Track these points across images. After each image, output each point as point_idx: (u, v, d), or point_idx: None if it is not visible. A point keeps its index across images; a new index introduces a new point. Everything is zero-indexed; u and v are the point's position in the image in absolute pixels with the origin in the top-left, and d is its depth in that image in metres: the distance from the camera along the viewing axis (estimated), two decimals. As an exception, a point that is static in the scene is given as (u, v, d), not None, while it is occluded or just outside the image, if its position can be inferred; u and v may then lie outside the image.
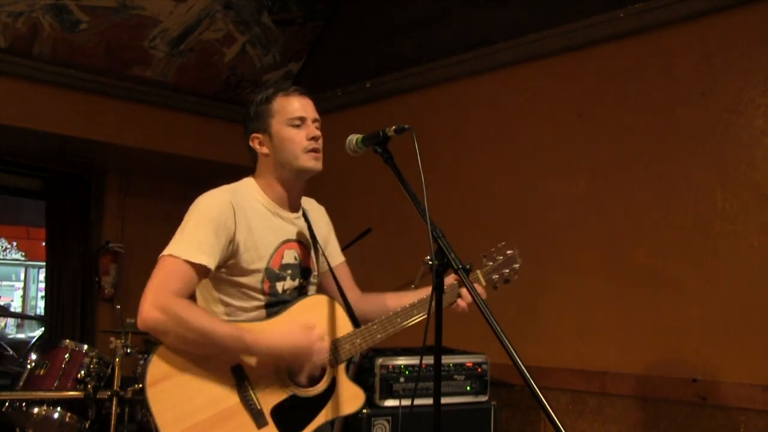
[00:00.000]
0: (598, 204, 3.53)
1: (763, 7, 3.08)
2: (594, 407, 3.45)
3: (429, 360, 1.73)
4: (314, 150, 2.00)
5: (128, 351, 3.55)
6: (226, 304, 1.96)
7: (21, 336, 8.89)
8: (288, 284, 2.02)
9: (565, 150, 3.69)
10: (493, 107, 4.05)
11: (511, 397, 3.63)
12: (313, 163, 2.00)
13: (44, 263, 5.73)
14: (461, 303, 2.07)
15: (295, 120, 1.99)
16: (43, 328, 5.75)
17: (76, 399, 3.47)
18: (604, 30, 3.54)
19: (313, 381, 1.96)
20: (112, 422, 3.41)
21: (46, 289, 5.64)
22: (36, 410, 3.44)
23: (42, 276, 10.21)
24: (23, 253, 11.42)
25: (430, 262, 1.68)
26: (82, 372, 3.57)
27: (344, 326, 2.02)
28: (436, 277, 1.66)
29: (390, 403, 2.97)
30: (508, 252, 2.25)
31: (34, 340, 5.43)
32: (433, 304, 1.66)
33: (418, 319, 2.03)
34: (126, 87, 4.74)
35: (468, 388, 3.11)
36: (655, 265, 3.30)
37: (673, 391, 3.18)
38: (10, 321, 9.66)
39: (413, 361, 3.03)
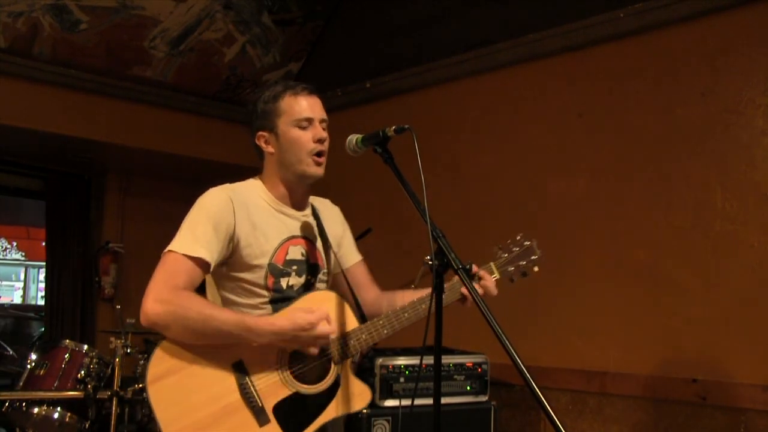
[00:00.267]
0: (598, 204, 3.53)
1: (763, 7, 3.08)
2: (594, 407, 3.45)
3: (429, 360, 1.72)
4: (319, 154, 2.00)
5: (128, 351, 3.55)
6: (233, 303, 1.96)
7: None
8: (293, 280, 2.00)
9: (565, 150, 3.69)
10: (493, 107, 4.05)
11: (511, 397, 3.63)
12: (314, 169, 2.00)
13: (44, 263, 5.73)
14: (470, 297, 1.94)
15: (302, 121, 1.99)
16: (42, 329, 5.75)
17: (76, 399, 3.47)
18: (604, 30, 3.54)
19: (318, 379, 1.95)
20: (112, 422, 3.41)
21: (46, 288, 5.64)
22: (36, 410, 3.44)
23: (42, 276, 10.22)
24: (23, 253, 11.43)
25: (430, 262, 1.68)
26: (82, 372, 3.57)
27: (351, 323, 2.00)
28: (436, 277, 1.66)
29: (390, 403, 2.97)
30: (526, 243, 2.17)
31: (34, 339, 5.43)
32: (433, 303, 1.66)
33: (425, 315, 1.96)
34: (126, 87, 4.74)
35: (468, 388, 3.11)
36: (655, 265, 3.30)
37: (673, 391, 3.18)
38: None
39: (413, 361, 3.03)
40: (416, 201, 1.76)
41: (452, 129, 4.20)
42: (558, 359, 3.57)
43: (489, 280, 2.04)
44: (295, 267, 2.01)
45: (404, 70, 4.48)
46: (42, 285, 10.08)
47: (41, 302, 9.60)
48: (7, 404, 3.45)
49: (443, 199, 3.77)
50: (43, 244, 5.88)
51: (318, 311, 1.88)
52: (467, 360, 3.13)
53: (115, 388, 3.45)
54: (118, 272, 5.62)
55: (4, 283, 11.90)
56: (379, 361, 3.00)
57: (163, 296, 1.79)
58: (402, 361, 3.03)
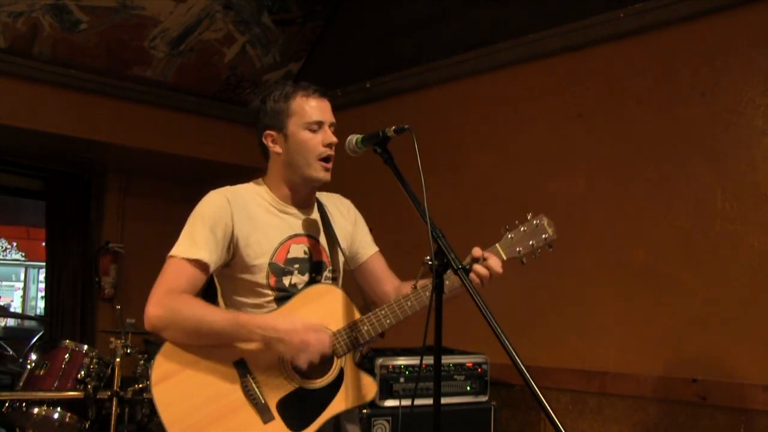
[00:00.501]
0: (598, 204, 3.53)
1: (763, 7, 3.08)
2: (594, 407, 3.45)
3: (429, 360, 1.71)
4: (327, 158, 1.99)
5: (128, 351, 3.55)
6: (241, 304, 1.98)
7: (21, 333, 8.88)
8: (296, 279, 2.00)
9: (565, 150, 3.69)
10: (493, 107, 4.05)
11: (511, 397, 3.63)
12: (323, 173, 1.99)
13: (44, 263, 5.73)
14: (475, 279, 1.88)
15: (313, 124, 1.98)
16: (42, 331, 5.75)
17: (76, 399, 3.47)
18: (604, 30, 3.54)
19: (320, 373, 1.94)
20: (112, 422, 3.41)
21: (46, 289, 5.64)
22: (36, 410, 3.44)
23: (42, 276, 10.21)
24: (23, 253, 11.42)
25: (430, 262, 1.67)
26: (82, 372, 3.57)
27: (351, 315, 1.98)
28: (436, 277, 1.66)
29: (390, 403, 2.97)
30: (535, 222, 2.02)
31: (34, 340, 5.42)
32: (434, 302, 1.66)
33: (428, 302, 1.84)
34: (126, 87, 4.74)
35: (468, 388, 3.11)
36: (655, 265, 3.30)
37: (673, 391, 3.18)
38: (10, 321, 9.66)
39: (413, 361, 3.03)
40: (416, 201, 1.76)
41: (452, 129, 4.20)
42: (558, 359, 3.57)
43: (493, 259, 1.91)
44: (297, 265, 2.01)
45: (404, 70, 4.48)
46: (42, 285, 10.07)
47: (41, 302, 9.59)
48: (7, 404, 3.45)
49: (443, 199, 3.77)
50: (43, 244, 5.88)
51: (315, 321, 1.88)
52: (467, 360, 3.13)
53: (115, 388, 3.45)
54: (118, 272, 5.62)
55: (4, 283, 11.90)
56: (379, 361, 3.00)
57: (162, 300, 1.83)
58: (402, 361, 3.03)
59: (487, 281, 1.90)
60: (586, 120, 3.63)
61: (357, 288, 2.12)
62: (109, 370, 3.63)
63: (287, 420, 1.87)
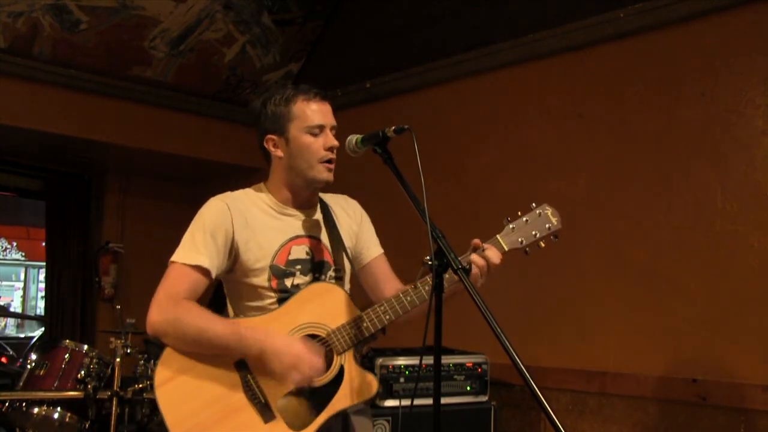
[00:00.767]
0: (598, 204, 3.53)
1: (763, 7, 3.08)
2: (594, 407, 3.45)
3: (429, 360, 1.71)
4: (329, 161, 1.99)
5: (128, 351, 3.55)
6: (246, 308, 1.99)
7: (21, 336, 8.89)
8: (298, 280, 1.99)
9: (565, 150, 3.69)
10: (493, 107, 4.05)
11: (511, 397, 3.63)
12: (326, 175, 1.99)
13: (44, 263, 5.73)
14: (475, 270, 1.86)
15: (314, 128, 1.98)
16: (42, 329, 5.75)
17: (76, 399, 3.48)
18: (604, 30, 3.54)
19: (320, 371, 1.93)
20: (112, 422, 3.42)
21: (46, 289, 5.64)
22: (36, 410, 3.44)
23: (42, 276, 10.21)
24: (23, 253, 11.42)
25: (430, 263, 1.67)
26: (82, 372, 3.58)
27: (351, 312, 1.97)
28: (436, 277, 1.66)
29: (390, 403, 2.97)
30: (538, 211, 1.99)
31: (34, 340, 5.42)
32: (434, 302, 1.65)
33: (427, 297, 1.86)
34: (126, 87, 4.74)
35: (468, 388, 3.11)
36: (655, 265, 3.30)
37: (673, 391, 3.18)
38: (10, 321, 9.66)
39: (413, 361, 3.03)
40: (416, 201, 1.76)
41: (452, 129, 4.20)
42: (558, 359, 3.57)
43: (492, 251, 1.90)
44: (299, 266, 2.01)
45: (404, 70, 4.48)
46: (42, 285, 10.07)
47: (41, 302, 9.59)
48: (7, 404, 3.45)
49: (443, 199, 3.77)
50: (43, 244, 5.88)
51: (312, 348, 1.86)
52: (467, 360, 3.13)
53: (115, 388, 3.45)
54: (118, 272, 5.62)
55: (4, 283, 11.89)
56: (379, 361, 3.00)
57: (163, 306, 1.85)
58: (402, 361, 3.03)
59: (485, 272, 1.89)
60: (586, 120, 3.63)
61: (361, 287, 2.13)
62: (109, 370, 3.63)
63: (288, 419, 1.87)
